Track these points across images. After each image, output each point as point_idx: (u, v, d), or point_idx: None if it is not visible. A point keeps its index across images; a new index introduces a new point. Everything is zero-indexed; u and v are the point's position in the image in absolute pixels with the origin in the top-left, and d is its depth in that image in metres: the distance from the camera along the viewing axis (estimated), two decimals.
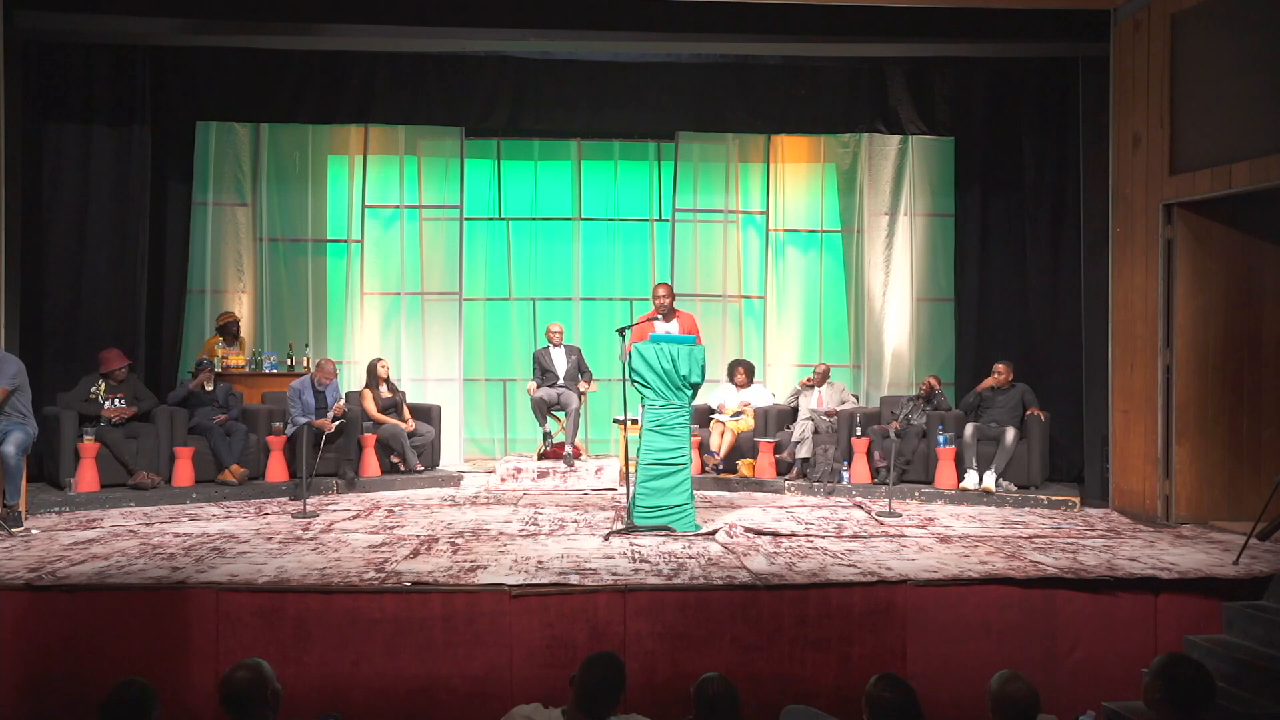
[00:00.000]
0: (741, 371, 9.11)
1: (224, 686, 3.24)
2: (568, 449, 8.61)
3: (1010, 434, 7.85)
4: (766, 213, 9.96)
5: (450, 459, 9.38)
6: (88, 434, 7.35)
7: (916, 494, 7.89)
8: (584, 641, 4.68)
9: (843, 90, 9.71)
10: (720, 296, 9.93)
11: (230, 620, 4.74)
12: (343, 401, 8.33)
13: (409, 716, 4.69)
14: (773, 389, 9.51)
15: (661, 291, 6.91)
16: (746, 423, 8.81)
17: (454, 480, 8.52)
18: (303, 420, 7.89)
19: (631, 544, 5.99)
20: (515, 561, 5.46)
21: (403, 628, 4.75)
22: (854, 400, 8.95)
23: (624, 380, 6.61)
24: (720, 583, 5.02)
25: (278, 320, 9.46)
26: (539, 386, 8.86)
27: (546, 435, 8.85)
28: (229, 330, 8.96)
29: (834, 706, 4.47)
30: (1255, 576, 5.22)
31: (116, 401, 7.65)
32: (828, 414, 8.47)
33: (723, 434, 8.68)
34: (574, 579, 5.03)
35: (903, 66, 9.56)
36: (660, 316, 6.85)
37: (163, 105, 8.98)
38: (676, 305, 7.02)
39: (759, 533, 6.42)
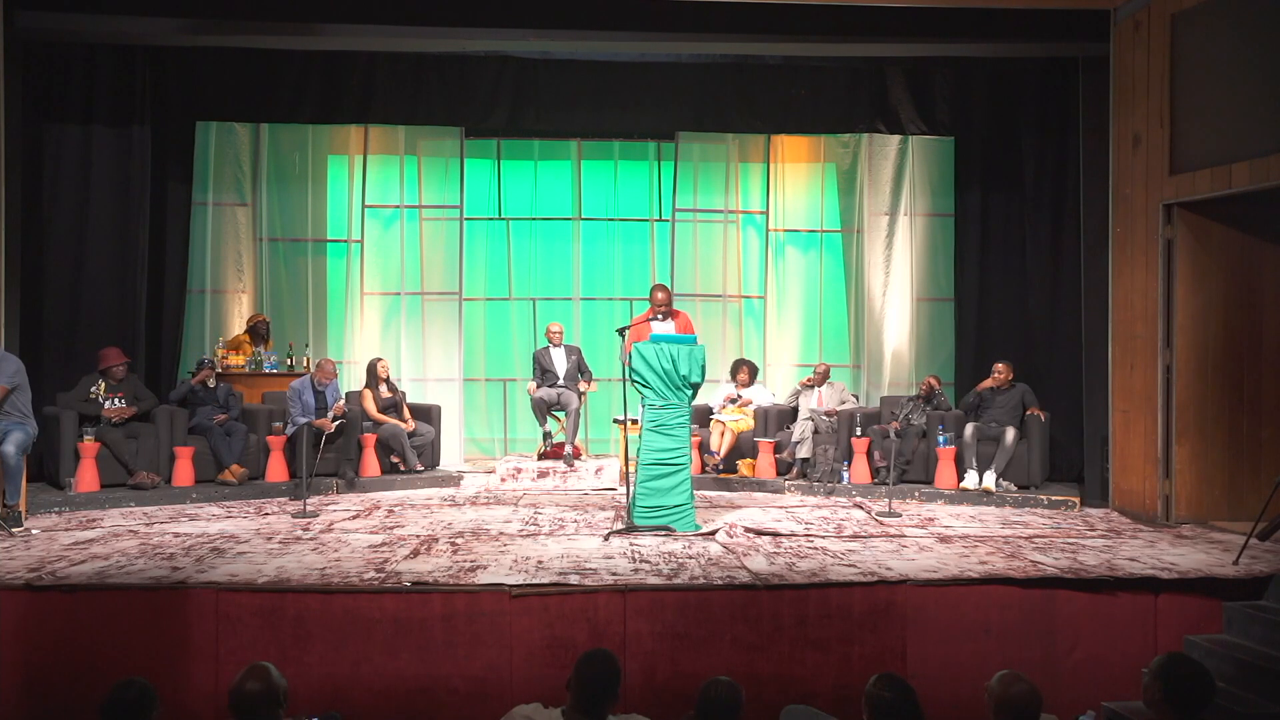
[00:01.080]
0: (745, 371, 9.11)
1: (234, 696, 3.23)
2: (568, 449, 8.61)
3: (1010, 434, 7.85)
4: (766, 213, 9.96)
5: (450, 459, 9.38)
6: (88, 434, 7.35)
7: (916, 494, 7.89)
8: (584, 641, 4.67)
9: (843, 90, 9.71)
10: (720, 296, 9.93)
11: (230, 620, 4.74)
12: (343, 401, 8.33)
13: (409, 716, 4.69)
14: (773, 389, 9.51)
15: (661, 296, 6.90)
16: (746, 423, 8.81)
17: (454, 480, 8.52)
18: (303, 420, 7.89)
19: (631, 544, 5.99)
20: (515, 561, 5.46)
21: (403, 628, 4.75)
22: (854, 400, 8.95)
23: (624, 380, 6.61)
24: (720, 583, 5.02)
25: (278, 320, 9.45)
26: (539, 386, 8.87)
27: (546, 435, 8.85)
28: (258, 331, 9.01)
29: (834, 706, 4.47)
30: (1255, 576, 5.22)
31: (116, 401, 7.65)
32: (828, 414, 8.47)
33: (723, 434, 8.68)
34: (574, 579, 5.03)
35: (903, 66, 9.56)
36: (658, 317, 6.85)
37: (163, 105, 8.98)
38: (672, 305, 7.03)
39: (759, 533, 6.42)
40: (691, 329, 6.87)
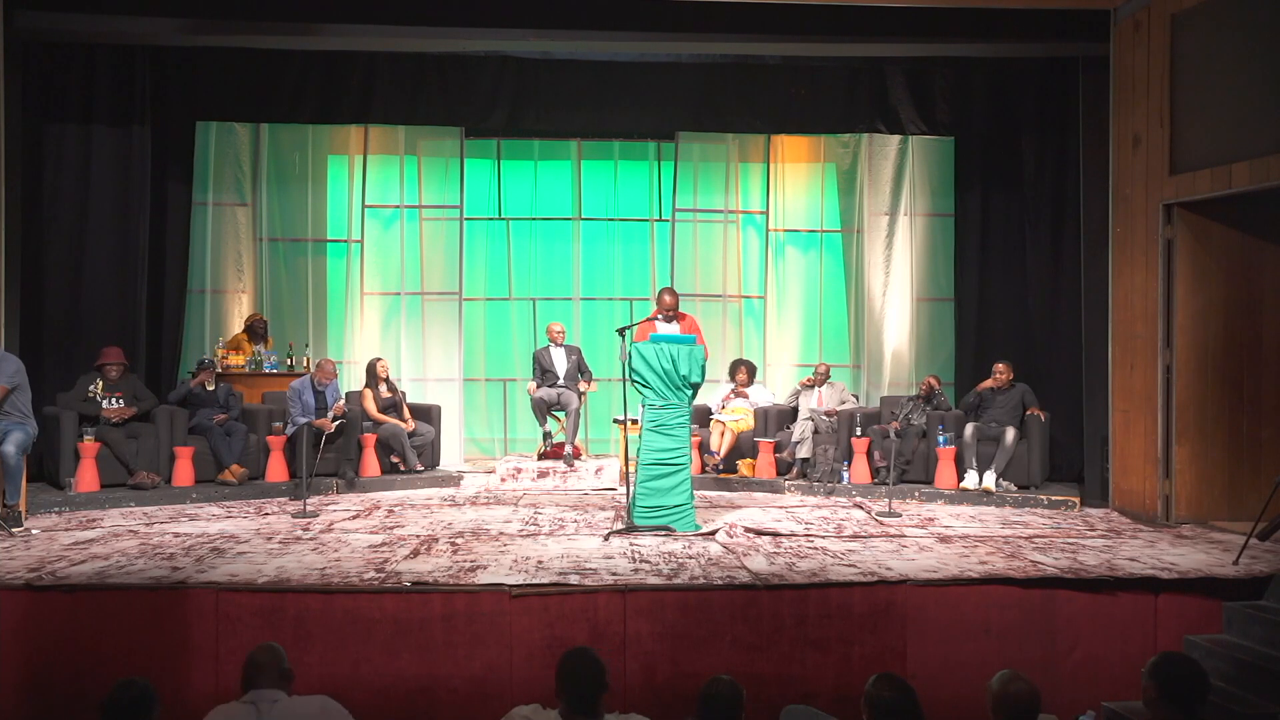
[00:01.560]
0: (743, 371, 9.11)
1: (246, 661, 3.42)
2: (568, 449, 8.61)
3: (1010, 434, 7.85)
4: (766, 213, 9.96)
5: (450, 459, 9.38)
6: (88, 434, 7.35)
7: (916, 494, 7.89)
8: (584, 641, 4.67)
9: (843, 90, 9.70)
10: (720, 296, 9.92)
11: (230, 620, 4.74)
12: (343, 401, 8.33)
13: (409, 716, 4.69)
14: (773, 389, 9.51)
15: (669, 300, 6.89)
16: (746, 423, 8.81)
17: (454, 480, 8.52)
18: (303, 420, 7.89)
19: (631, 544, 5.99)
20: (515, 561, 5.46)
21: (403, 628, 4.75)
22: (854, 400, 8.95)
23: (624, 380, 6.61)
24: (720, 583, 5.02)
25: (278, 320, 9.45)
26: (539, 386, 8.86)
27: (546, 435, 8.85)
28: (256, 330, 9.03)
29: (834, 706, 4.47)
30: (1255, 576, 5.23)
31: (115, 401, 7.65)
32: (828, 414, 8.47)
33: (723, 434, 8.68)
34: (574, 579, 5.03)
35: (903, 66, 9.55)
36: (660, 318, 6.85)
37: (163, 105, 8.97)
38: (679, 309, 7.03)
39: (759, 533, 6.42)
40: (697, 330, 6.86)
